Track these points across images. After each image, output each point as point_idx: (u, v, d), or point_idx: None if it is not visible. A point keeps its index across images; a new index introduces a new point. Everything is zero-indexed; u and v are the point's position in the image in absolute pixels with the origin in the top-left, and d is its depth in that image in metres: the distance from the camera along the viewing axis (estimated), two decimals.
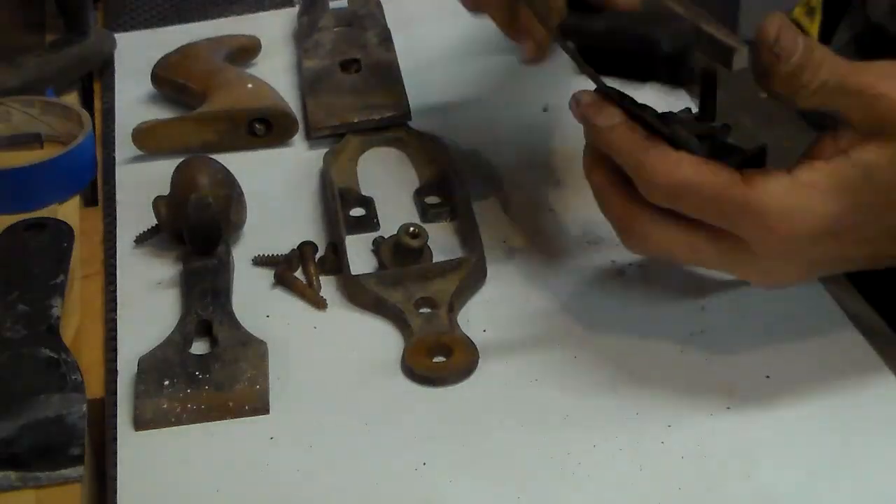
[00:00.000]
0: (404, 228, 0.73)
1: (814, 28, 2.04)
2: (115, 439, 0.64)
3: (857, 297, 0.71)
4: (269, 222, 0.79)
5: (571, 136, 0.87)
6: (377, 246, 0.75)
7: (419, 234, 0.73)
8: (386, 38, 0.95)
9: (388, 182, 0.83)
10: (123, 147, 0.87)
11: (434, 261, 0.74)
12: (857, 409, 0.64)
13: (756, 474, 0.60)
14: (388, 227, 0.77)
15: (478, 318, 0.71)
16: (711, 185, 0.60)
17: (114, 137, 0.89)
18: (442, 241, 0.77)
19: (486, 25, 1.02)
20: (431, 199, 0.80)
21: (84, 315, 0.73)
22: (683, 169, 0.60)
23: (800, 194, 0.59)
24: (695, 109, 0.66)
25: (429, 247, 0.74)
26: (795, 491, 0.60)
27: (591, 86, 0.64)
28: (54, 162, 0.82)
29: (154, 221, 0.76)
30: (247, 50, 0.97)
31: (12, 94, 0.88)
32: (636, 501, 0.59)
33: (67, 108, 0.87)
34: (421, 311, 0.70)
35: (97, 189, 0.85)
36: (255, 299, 0.73)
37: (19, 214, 0.79)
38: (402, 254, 0.73)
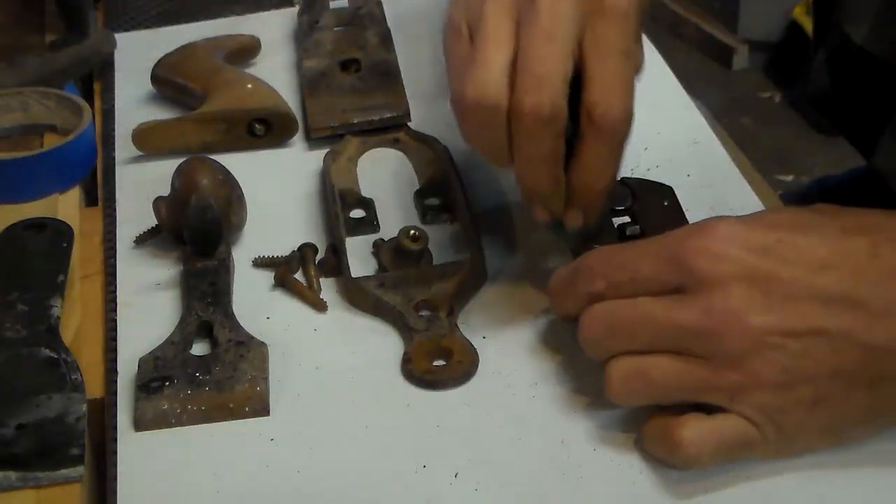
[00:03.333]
0: (404, 231, 0.73)
1: None
2: (115, 439, 0.64)
3: None
4: (269, 223, 0.79)
5: None
6: (377, 248, 0.75)
7: (420, 238, 0.73)
8: (386, 38, 0.95)
9: (388, 183, 0.83)
10: (123, 147, 0.87)
11: (434, 263, 0.74)
12: None
13: (756, 475, 0.60)
14: (388, 229, 0.77)
15: (478, 320, 0.71)
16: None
17: (114, 137, 0.89)
18: (442, 244, 0.77)
19: None
20: (431, 201, 0.80)
21: (84, 315, 0.73)
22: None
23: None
24: None
25: (429, 249, 0.74)
26: (795, 491, 0.60)
27: None
28: (54, 152, 0.83)
29: (154, 222, 0.76)
30: (247, 50, 0.97)
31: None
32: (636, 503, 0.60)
33: (74, 101, 0.87)
34: (421, 313, 0.70)
35: (97, 189, 0.85)
36: (255, 301, 0.73)
37: (21, 203, 0.81)
38: (403, 257, 0.73)
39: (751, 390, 0.57)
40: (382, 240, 0.76)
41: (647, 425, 0.61)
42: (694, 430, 0.58)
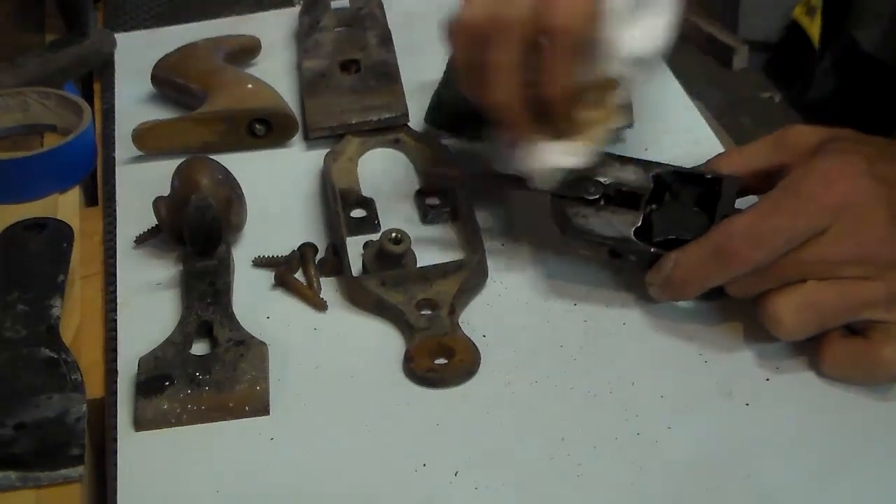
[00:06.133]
0: (386, 234, 0.73)
1: (814, 27, 2.04)
2: (115, 439, 0.64)
3: None
4: (269, 223, 0.79)
5: None
6: (365, 249, 0.75)
7: (402, 241, 0.73)
8: (386, 39, 0.95)
9: (389, 183, 0.83)
10: (123, 147, 0.87)
11: (435, 263, 0.73)
12: (857, 409, 0.64)
13: (756, 474, 0.60)
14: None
15: (479, 319, 0.71)
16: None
17: (114, 137, 0.89)
18: (443, 243, 0.77)
19: None
20: (432, 201, 0.80)
21: (84, 315, 0.73)
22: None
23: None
24: None
25: (412, 251, 0.74)
26: (795, 491, 0.60)
27: None
28: (54, 152, 0.83)
29: (154, 222, 0.76)
30: (247, 50, 0.97)
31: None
32: (636, 502, 0.59)
33: (74, 101, 0.87)
34: (422, 312, 0.70)
35: (97, 189, 0.85)
36: (255, 300, 0.73)
37: (21, 203, 0.81)
38: (385, 259, 0.73)
39: None
40: (371, 241, 0.75)
41: (839, 353, 0.65)
42: (889, 350, 0.63)
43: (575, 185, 0.70)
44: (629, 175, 0.71)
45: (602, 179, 0.70)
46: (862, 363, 0.64)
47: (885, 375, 0.64)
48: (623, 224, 0.69)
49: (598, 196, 0.70)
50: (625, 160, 0.72)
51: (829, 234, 0.63)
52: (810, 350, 0.66)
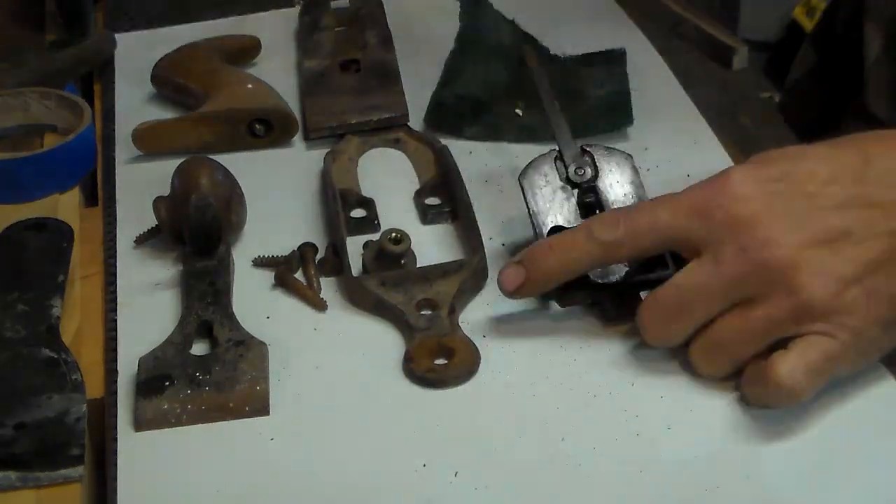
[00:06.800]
0: (386, 234, 0.73)
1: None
2: (115, 439, 0.64)
3: None
4: (269, 223, 0.79)
5: None
6: (364, 249, 0.75)
7: (402, 241, 0.73)
8: (386, 39, 0.95)
9: (389, 183, 0.83)
10: (123, 147, 0.87)
11: (435, 263, 0.73)
12: (857, 409, 0.64)
13: (756, 474, 0.60)
14: None
15: (479, 319, 0.71)
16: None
17: (114, 137, 0.89)
18: (443, 243, 0.77)
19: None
20: (432, 201, 0.80)
21: (84, 315, 0.73)
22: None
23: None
24: None
25: (412, 251, 0.74)
26: (795, 491, 0.60)
27: None
28: (54, 152, 0.83)
29: (154, 222, 0.76)
30: (247, 50, 0.97)
31: None
32: (636, 502, 0.59)
33: (74, 101, 0.87)
34: (422, 312, 0.70)
35: (97, 189, 0.85)
36: (255, 300, 0.73)
37: (21, 203, 0.81)
38: (384, 259, 0.73)
39: (808, 307, 0.60)
40: (371, 241, 0.75)
41: (743, 379, 0.64)
42: (783, 364, 0.60)
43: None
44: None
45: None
46: (758, 385, 0.62)
47: (777, 397, 0.62)
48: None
49: None
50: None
51: (713, 248, 0.62)
52: None
